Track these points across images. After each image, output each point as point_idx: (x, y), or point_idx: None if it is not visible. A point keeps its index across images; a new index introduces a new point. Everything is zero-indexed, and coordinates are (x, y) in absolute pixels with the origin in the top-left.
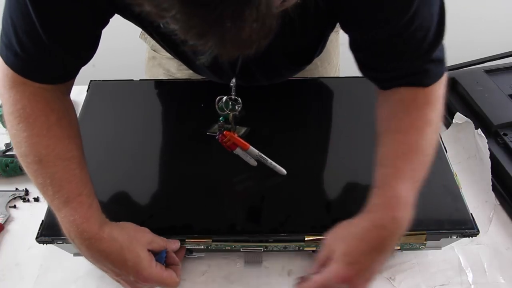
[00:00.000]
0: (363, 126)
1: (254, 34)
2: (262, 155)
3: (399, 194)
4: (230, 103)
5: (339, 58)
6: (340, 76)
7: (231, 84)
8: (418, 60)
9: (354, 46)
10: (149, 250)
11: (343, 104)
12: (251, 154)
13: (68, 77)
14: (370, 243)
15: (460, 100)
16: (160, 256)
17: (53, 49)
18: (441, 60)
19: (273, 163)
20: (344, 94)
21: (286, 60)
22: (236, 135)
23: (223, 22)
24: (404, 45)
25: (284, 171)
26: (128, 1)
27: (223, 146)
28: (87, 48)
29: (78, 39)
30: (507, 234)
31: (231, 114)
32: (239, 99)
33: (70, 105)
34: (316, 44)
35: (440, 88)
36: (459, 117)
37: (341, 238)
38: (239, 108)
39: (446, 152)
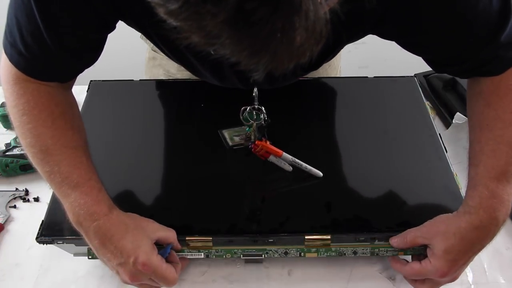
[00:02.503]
0: (363, 126)
1: (306, 42)
2: (296, 159)
3: (496, 194)
4: (254, 113)
5: (340, 60)
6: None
7: (254, 94)
8: (486, 46)
9: (412, 49)
10: (154, 244)
11: (345, 104)
12: (285, 160)
13: (71, 77)
14: (470, 243)
15: (460, 100)
16: (163, 250)
17: (57, 51)
18: None
19: (308, 166)
20: (344, 94)
21: (295, 67)
22: (268, 143)
23: (274, 36)
24: (466, 35)
25: (320, 174)
26: (174, 36)
27: (257, 155)
28: (92, 51)
29: (82, 43)
30: (507, 234)
31: (254, 124)
32: (263, 108)
33: (72, 99)
34: (328, 53)
35: None
36: (459, 117)
37: (441, 233)
38: (264, 117)
39: (446, 152)
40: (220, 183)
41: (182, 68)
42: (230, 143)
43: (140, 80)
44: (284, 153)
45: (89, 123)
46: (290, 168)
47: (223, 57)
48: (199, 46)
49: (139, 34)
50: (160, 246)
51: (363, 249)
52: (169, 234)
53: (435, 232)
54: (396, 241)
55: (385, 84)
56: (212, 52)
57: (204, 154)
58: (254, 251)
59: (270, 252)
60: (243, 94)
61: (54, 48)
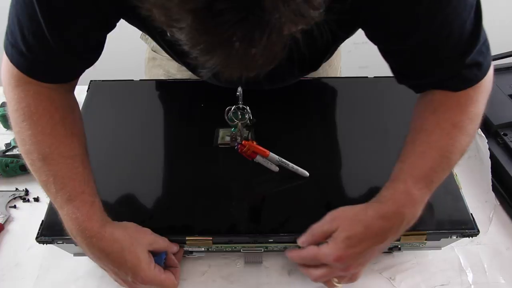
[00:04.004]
0: (363, 126)
1: (260, 59)
2: (283, 159)
3: (410, 191)
4: (239, 112)
5: (340, 60)
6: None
7: (238, 93)
8: (450, 66)
9: (386, 57)
10: (150, 252)
11: (345, 104)
12: (271, 160)
13: (72, 78)
14: (373, 232)
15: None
16: (159, 257)
17: (59, 51)
18: (479, 64)
19: (295, 166)
20: (344, 94)
21: (293, 67)
22: (255, 143)
23: (232, 43)
24: (435, 52)
25: (306, 173)
26: (135, 3)
27: (243, 156)
28: (92, 51)
29: (84, 42)
30: (507, 234)
31: (239, 124)
32: (247, 108)
33: (74, 102)
34: (326, 52)
35: (477, 92)
36: None
37: (347, 219)
38: (249, 117)
39: None
40: (220, 183)
41: (182, 68)
42: (219, 141)
43: (140, 80)
44: (271, 153)
45: (89, 123)
46: (277, 169)
47: (177, 41)
48: (157, 22)
49: (139, 34)
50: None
51: None
52: (163, 245)
53: (343, 217)
54: (303, 240)
55: (385, 84)
56: (168, 34)
57: (204, 154)
58: (253, 248)
59: (270, 247)
60: (244, 94)
61: (56, 47)
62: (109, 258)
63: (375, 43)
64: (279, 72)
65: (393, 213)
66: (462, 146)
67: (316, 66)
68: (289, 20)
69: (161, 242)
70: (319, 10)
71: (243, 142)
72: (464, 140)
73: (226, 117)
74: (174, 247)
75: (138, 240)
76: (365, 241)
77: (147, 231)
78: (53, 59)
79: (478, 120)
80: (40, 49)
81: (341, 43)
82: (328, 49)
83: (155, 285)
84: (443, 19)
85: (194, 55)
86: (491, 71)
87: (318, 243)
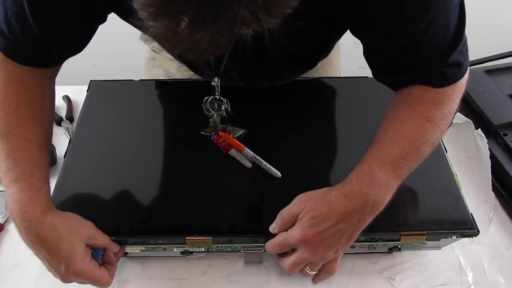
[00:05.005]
0: (363, 126)
1: (203, 45)
2: (257, 157)
3: (375, 173)
4: (215, 103)
5: (340, 60)
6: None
7: (213, 83)
8: (433, 65)
9: (368, 52)
10: (88, 246)
11: (345, 104)
12: (246, 155)
13: (52, 64)
14: (337, 211)
15: (460, 100)
16: (97, 252)
17: (40, 37)
18: (459, 64)
19: (268, 165)
20: (344, 95)
21: (290, 64)
22: (231, 136)
23: (180, 16)
24: (419, 51)
25: (278, 174)
26: None
27: (218, 146)
28: (77, 40)
29: (68, 31)
30: (507, 234)
31: (215, 115)
32: (224, 99)
33: (48, 88)
34: (322, 49)
35: (454, 91)
36: (459, 117)
37: (312, 200)
38: (224, 108)
39: (446, 152)
40: (220, 183)
41: (182, 68)
42: (202, 131)
43: (140, 80)
44: (246, 148)
45: (89, 123)
46: (250, 165)
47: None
48: None
49: (139, 34)
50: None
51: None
52: (103, 241)
53: (308, 199)
54: (274, 226)
55: None
56: None
57: (204, 154)
58: (253, 248)
59: None
60: (243, 93)
61: (38, 34)
62: (44, 245)
63: (359, 38)
64: (275, 69)
65: (356, 193)
66: (432, 139)
67: (312, 64)
68: (244, 18)
69: (101, 238)
70: (275, 20)
71: (220, 133)
72: (436, 134)
73: (203, 107)
74: (115, 247)
75: (78, 231)
76: (328, 219)
77: (89, 224)
78: (33, 43)
79: (451, 117)
80: (21, 33)
81: (337, 41)
82: (324, 47)
83: (88, 280)
84: (431, 18)
85: (141, 16)
86: (467, 72)
87: (288, 227)
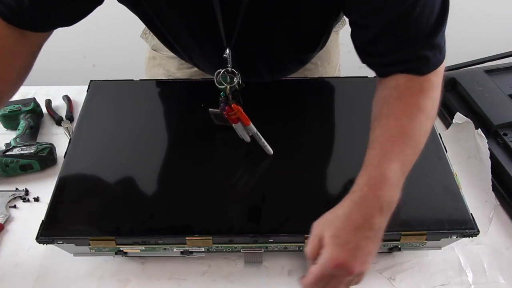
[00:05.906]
0: (363, 126)
1: None
2: (259, 133)
3: (384, 173)
4: (228, 76)
5: (339, 58)
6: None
7: (225, 55)
8: (418, 44)
9: (354, 32)
10: None
11: (343, 103)
12: (249, 130)
13: (34, 29)
14: (355, 222)
15: (460, 100)
16: None
17: (29, 4)
18: (440, 48)
19: (265, 142)
20: (344, 94)
21: (290, 48)
22: (241, 110)
23: None
24: (405, 30)
25: (271, 151)
26: None
27: (226, 117)
28: (67, 17)
29: (57, 7)
30: (507, 234)
31: (228, 87)
32: (236, 71)
33: (25, 52)
34: (320, 32)
35: (436, 77)
36: (459, 117)
37: (328, 222)
38: (237, 80)
39: (446, 152)
40: (220, 183)
41: (183, 67)
42: (210, 109)
43: (140, 80)
44: (251, 123)
45: (89, 123)
46: (249, 139)
47: None
48: None
49: (140, 33)
50: None
51: None
52: None
53: (324, 221)
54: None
55: None
56: None
57: (204, 154)
58: (253, 248)
59: (270, 247)
60: (242, 92)
61: (28, 5)
62: None
63: (347, 16)
64: (277, 56)
65: (370, 199)
66: (427, 129)
67: (313, 49)
68: None
69: None
70: None
71: (232, 106)
72: (429, 123)
73: (215, 80)
74: None
75: None
76: (353, 233)
77: None
78: (19, 4)
79: (438, 103)
80: (14, 2)
81: (334, 22)
82: (323, 29)
83: None
84: None
85: None
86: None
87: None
